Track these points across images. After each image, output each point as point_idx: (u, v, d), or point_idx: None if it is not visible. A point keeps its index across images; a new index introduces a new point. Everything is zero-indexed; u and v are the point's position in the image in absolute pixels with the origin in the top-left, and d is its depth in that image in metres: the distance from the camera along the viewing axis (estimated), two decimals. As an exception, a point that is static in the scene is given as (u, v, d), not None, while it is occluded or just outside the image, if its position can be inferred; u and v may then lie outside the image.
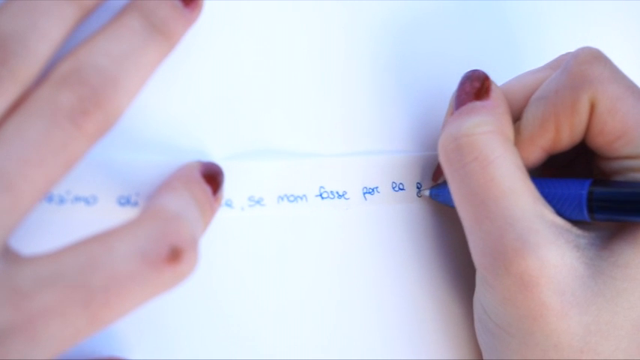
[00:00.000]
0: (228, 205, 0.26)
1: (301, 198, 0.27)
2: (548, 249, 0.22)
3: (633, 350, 0.23)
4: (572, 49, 0.25)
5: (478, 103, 0.25)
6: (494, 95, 0.25)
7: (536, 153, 0.25)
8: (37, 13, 0.22)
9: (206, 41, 0.26)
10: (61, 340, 0.20)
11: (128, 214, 0.24)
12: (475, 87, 0.25)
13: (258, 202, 0.26)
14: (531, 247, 0.22)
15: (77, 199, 0.24)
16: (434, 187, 0.28)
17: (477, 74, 0.25)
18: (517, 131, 0.25)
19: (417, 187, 0.28)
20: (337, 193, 0.27)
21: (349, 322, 0.27)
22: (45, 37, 0.22)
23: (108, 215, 0.24)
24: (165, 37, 0.23)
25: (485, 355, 0.26)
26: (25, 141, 0.21)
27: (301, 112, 0.27)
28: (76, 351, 0.22)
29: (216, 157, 0.26)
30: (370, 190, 0.28)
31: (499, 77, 0.26)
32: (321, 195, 0.27)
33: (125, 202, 0.24)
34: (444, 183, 0.27)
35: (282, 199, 0.26)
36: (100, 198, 0.24)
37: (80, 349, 0.23)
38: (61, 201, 0.24)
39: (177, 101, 0.25)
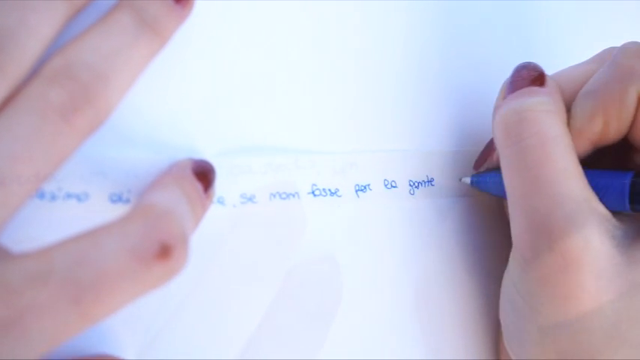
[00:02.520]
0: (220, 202, 0.26)
1: (293, 195, 0.27)
2: (593, 232, 0.23)
3: None
4: (601, 46, 0.26)
5: (536, 87, 0.25)
6: (550, 84, 0.25)
7: (584, 145, 0.25)
8: (27, 9, 0.22)
9: (198, 38, 0.26)
10: (52, 337, 0.20)
11: (120, 211, 0.24)
12: (532, 75, 0.25)
13: (250, 199, 0.26)
14: (578, 227, 0.22)
15: (69, 195, 0.24)
16: (474, 175, 0.28)
17: (533, 65, 0.26)
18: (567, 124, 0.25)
19: (410, 185, 0.29)
20: (329, 190, 0.27)
21: (343, 321, 0.27)
22: (35, 33, 0.22)
23: (99, 212, 0.24)
24: (156, 33, 0.23)
25: (507, 337, 0.26)
26: (15, 137, 0.21)
27: (294, 109, 0.27)
28: (67, 348, 0.22)
29: (208, 155, 0.26)
30: (362, 188, 0.28)
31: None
32: (313, 192, 0.27)
33: (117, 199, 0.24)
34: (486, 171, 0.28)
35: (275, 196, 0.26)
36: (91, 195, 0.24)
37: (71, 347, 0.23)
38: (53, 198, 0.24)
39: (168, 98, 0.25)
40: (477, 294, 0.30)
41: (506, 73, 0.27)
